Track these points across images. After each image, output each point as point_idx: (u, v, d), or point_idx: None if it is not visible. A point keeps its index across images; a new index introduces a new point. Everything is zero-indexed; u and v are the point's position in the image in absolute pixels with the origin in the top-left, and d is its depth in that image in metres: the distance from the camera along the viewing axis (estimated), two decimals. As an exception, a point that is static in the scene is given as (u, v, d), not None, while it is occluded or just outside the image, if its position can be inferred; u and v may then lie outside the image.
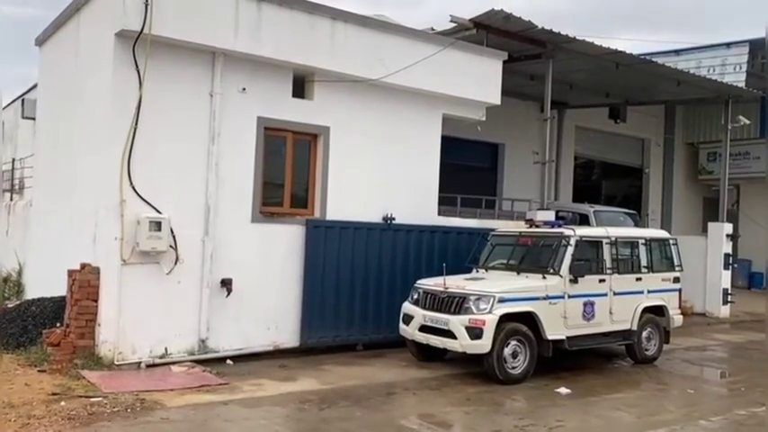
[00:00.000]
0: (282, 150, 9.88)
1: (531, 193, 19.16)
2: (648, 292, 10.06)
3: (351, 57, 10.02)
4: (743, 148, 21.73)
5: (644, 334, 10.01)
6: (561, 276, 8.92)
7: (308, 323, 9.82)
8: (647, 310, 10.03)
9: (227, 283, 9.09)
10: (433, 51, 10.73)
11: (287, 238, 9.76)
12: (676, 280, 10.53)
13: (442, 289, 8.84)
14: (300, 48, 9.54)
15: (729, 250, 16.44)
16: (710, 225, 16.74)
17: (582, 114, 20.02)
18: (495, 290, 8.44)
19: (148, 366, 8.50)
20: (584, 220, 14.51)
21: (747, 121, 16.16)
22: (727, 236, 16.34)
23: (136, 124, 8.47)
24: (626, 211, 15.78)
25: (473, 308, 8.39)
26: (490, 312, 8.27)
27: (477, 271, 10.01)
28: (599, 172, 26.06)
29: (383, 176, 10.77)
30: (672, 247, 10.59)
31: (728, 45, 16.68)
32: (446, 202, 17.05)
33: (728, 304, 16.37)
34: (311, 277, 9.84)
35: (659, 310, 10.26)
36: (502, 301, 8.36)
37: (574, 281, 8.98)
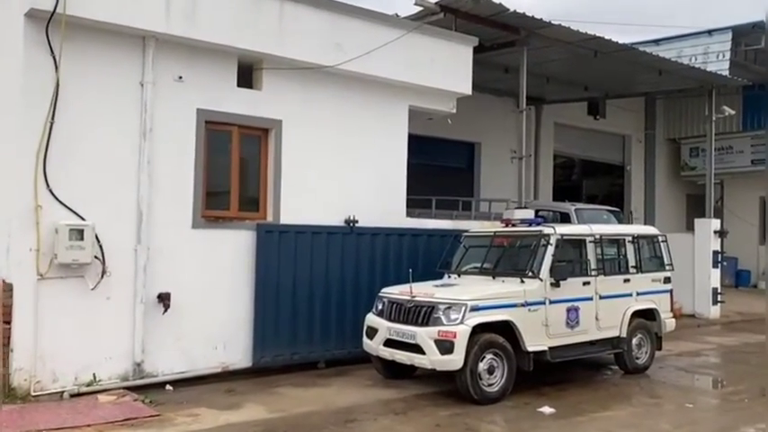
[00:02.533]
0: (228, 147, 8.82)
1: (510, 193, 18.08)
2: (638, 294, 9.13)
3: (303, 41, 9.00)
4: (726, 143, 21.06)
5: (634, 341, 9.07)
6: (541, 280, 7.96)
7: (261, 341, 8.74)
8: (636, 314, 9.09)
9: (163, 298, 8.00)
10: (395, 36, 9.75)
11: (235, 246, 8.69)
12: (667, 280, 9.61)
13: (408, 298, 7.83)
14: (244, 31, 8.50)
15: (718, 247, 15.61)
16: (697, 221, 15.91)
17: (560, 111, 19.22)
18: (467, 297, 7.44)
19: (73, 396, 7.39)
20: (565, 219, 13.64)
21: (732, 112, 15.42)
22: (716, 232, 15.51)
23: (53, 117, 7.38)
24: (609, 208, 14.89)
25: (443, 318, 7.38)
26: (462, 323, 7.27)
27: (450, 276, 9.02)
28: (579, 171, 25.37)
29: (344, 175, 9.76)
30: (661, 244, 9.68)
31: (710, 32, 15.89)
32: (421, 205, 16.17)
33: (719, 304, 15.54)
34: (264, 289, 8.78)
35: (650, 314, 9.33)
36: (475, 309, 7.36)
37: (555, 284, 8.02)
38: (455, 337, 7.17)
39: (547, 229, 8.32)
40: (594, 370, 9.30)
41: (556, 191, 25.15)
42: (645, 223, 22.16)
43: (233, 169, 8.85)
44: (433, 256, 9.82)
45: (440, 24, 11.00)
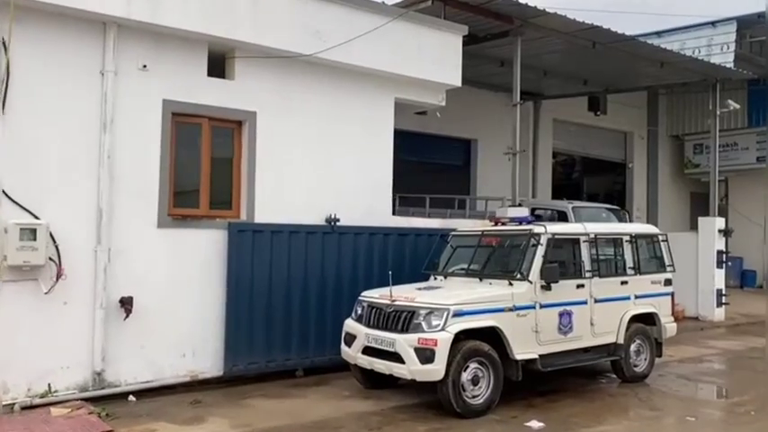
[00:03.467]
0: (197, 140, 8.27)
1: (508, 191, 17.68)
2: (636, 297, 8.55)
3: (278, 28, 8.45)
4: (730, 139, 20.42)
5: (632, 347, 8.49)
6: (531, 282, 7.38)
7: (233, 348, 8.19)
8: (635, 318, 8.51)
9: (125, 303, 7.45)
10: (379, 24, 9.18)
11: (205, 246, 8.14)
12: (668, 282, 9.03)
13: (387, 302, 7.27)
14: (214, 18, 7.95)
15: (723, 247, 14.99)
16: (701, 220, 15.31)
17: (560, 107, 18.61)
18: (450, 302, 6.86)
19: (25, 408, 6.84)
20: (562, 218, 13.08)
21: (737, 106, 14.79)
22: (720, 231, 14.90)
23: (2, 107, 6.85)
24: (609, 206, 14.34)
25: (423, 324, 6.81)
26: (443, 329, 6.70)
27: (435, 278, 8.46)
28: (581, 169, 24.82)
29: (326, 171, 9.21)
30: (661, 244, 9.09)
31: (714, 24, 15.29)
32: (416, 203, 15.62)
33: (723, 306, 14.93)
34: (236, 292, 8.23)
35: (649, 319, 8.75)
36: (458, 314, 6.79)
37: (546, 287, 7.44)
38: (436, 344, 6.61)
39: (537, 228, 7.75)
40: (590, 378, 8.72)
41: (556, 189, 24.56)
42: (647, 222, 21.66)
43: (203, 164, 8.30)
44: (420, 257, 9.27)
45: (429, 13, 10.44)
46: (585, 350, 8.01)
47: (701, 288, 14.89)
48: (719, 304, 14.82)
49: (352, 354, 7.54)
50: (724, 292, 14.96)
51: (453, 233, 8.86)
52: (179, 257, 7.96)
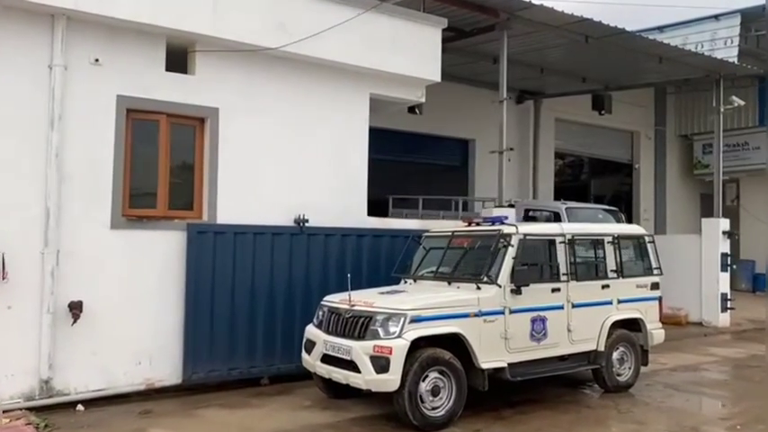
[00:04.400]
0: (155, 138, 7.93)
1: (509, 192, 17.21)
2: (619, 302, 8.04)
3: (241, 21, 8.09)
4: (741, 138, 19.77)
5: (615, 355, 7.98)
6: (499, 286, 6.92)
7: (192, 354, 7.83)
8: (617, 324, 8.01)
9: (73, 307, 7.11)
10: (350, 16, 8.79)
11: (163, 248, 7.80)
12: (655, 286, 8.50)
13: (347, 307, 6.86)
14: (171, 9, 7.62)
15: (727, 249, 14.36)
16: (704, 221, 14.70)
17: (562, 105, 18.09)
18: (407, 307, 6.43)
19: (-36, 418, 6.54)
20: (557, 219, 12.58)
21: (742, 102, 14.16)
22: (724, 233, 14.27)
23: (-60, 104, 6.57)
24: (606, 207, 13.78)
25: (380, 331, 6.39)
26: (399, 336, 6.26)
27: (406, 282, 8.04)
28: (588, 171, 24.25)
29: (294, 169, 8.83)
30: (648, 245, 8.57)
31: (717, 17, 14.70)
32: (410, 205, 15.19)
33: (728, 311, 14.30)
34: (196, 296, 7.87)
35: (634, 325, 8.24)
36: (416, 320, 6.35)
37: (516, 291, 6.97)
38: (391, 352, 6.17)
39: (508, 228, 7.29)
40: (571, 388, 8.23)
41: (565, 191, 23.97)
42: (655, 225, 20.99)
43: (161, 163, 7.95)
44: (395, 259, 8.84)
45: (410, 6, 10.03)
46: (562, 358, 7.52)
47: (705, 292, 14.30)
48: (724, 309, 14.20)
49: (311, 361, 7.14)
50: (729, 297, 14.33)
51: (426, 234, 8.43)
52: (135, 260, 7.62)
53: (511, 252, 7.06)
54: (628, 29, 11.98)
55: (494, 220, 7.78)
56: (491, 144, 16.41)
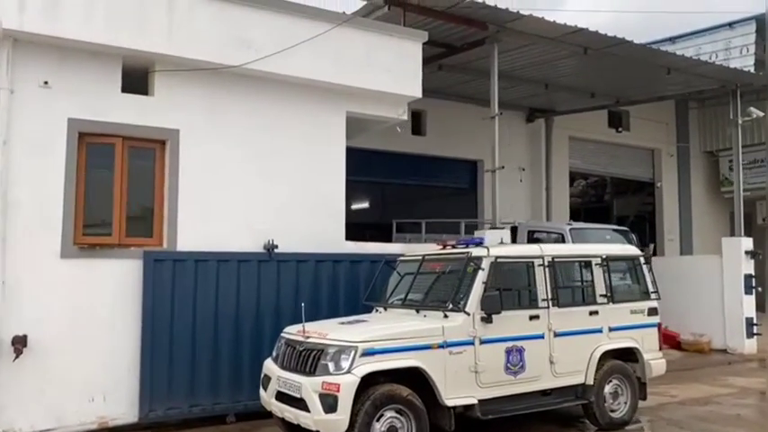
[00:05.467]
0: (110, 162, 7.57)
1: (520, 214, 16.57)
2: (610, 329, 7.32)
3: (201, 38, 7.74)
4: (768, 154, 18.71)
5: (607, 389, 7.25)
6: (467, 314, 6.30)
7: (150, 390, 7.35)
8: (609, 354, 7.28)
9: (16, 342, 6.72)
10: (320, 31, 8.39)
11: (117, 278, 7.39)
12: (653, 312, 7.75)
13: (301, 339, 6.32)
14: (124, 28, 7.29)
15: (751, 270, 13.39)
16: (724, 241, 13.76)
17: (575, 123, 17.41)
18: (359, 338, 5.85)
19: None
20: (560, 241, 11.89)
21: (761, 113, 13.28)
22: (747, 253, 13.32)
23: None
24: (615, 227, 13.00)
25: (330, 366, 5.82)
26: (349, 372, 5.68)
27: (377, 310, 7.47)
28: (611, 191, 23.44)
29: (264, 192, 8.38)
30: (643, 267, 7.84)
31: (731, 25, 13.94)
32: (413, 229, 14.65)
33: (755, 337, 13.28)
34: (154, 329, 7.41)
35: (629, 355, 7.50)
36: (368, 353, 5.77)
37: (487, 319, 6.34)
38: (338, 390, 5.59)
39: (477, 251, 6.68)
40: (559, 425, 7.49)
41: (587, 212, 23.23)
42: (681, 246, 19.98)
43: (116, 188, 7.57)
44: (379, 286, 8.28)
45: (390, 21, 9.62)
46: (545, 393, 6.82)
47: (728, 317, 13.33)
48: (750, 335, 13.20)
49: (266, 399, 6.58)
50: (755, 321, 13.33)
51: (400, 258, 7.86)
52: (87, 291, 7.22)
53: (481, 276, 6.45)
54: (636, 41, 11.36)
55: (468, 243, 7.18)
56: (501, 164, 15.88)
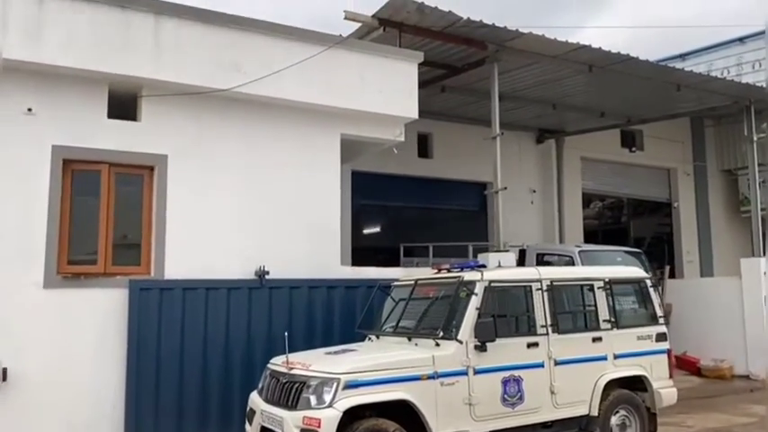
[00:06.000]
0: (97, 189, 7.41)
1: (532, 237, 16.21)
2: (616, 357, 6.92)
3: (189, 62, 7.60)
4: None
5: (614, 420, 6.82)
6: (460, 342, 5.97)
7: (135, 425, 7.08)
8: (615, 383, 6.88)
9: (-6, 375, 6.52)
10: (312, 53, 8.23)
11: (103, 308, 7.18)
12: (661, 337, 7.34)
13: (285, 370, 6.03)
14: (110, 53, 7.18)
15: (773, 292, 12.86)
16: (743, 262, 13.25)
17: (587, 143, 17.08)
18: (342, 370, 5.54)
19: None
20: (569, 264, 11.54)
21: (776, 130, 12.90)
22: (767, 274, 12.81)
23: None
24: (627, 249, 12.62)
25: (311, 399, 5.51)
26: (330, 406, 5.37)
27: (370, 339, 7.16)
28: (628, 212, 22.98)
29: (255, 217, 8.17)
30: (650, 290, 7.45)
31: (742, 40, 13.61)
32: (421, 253, 14.40)
33: (779, 362, 12.70)
34: (140, 361, 7.17)
35: (637, 383, 7.08)
36: (352, 386, 5.46)
37: (481, 347, 6.01)
38: (319, 425, 5.28)
39: (470, 275, 6.36)
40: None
41: (604, 233, 22.73)
42: (701, 267, 19.38)
43: (102, 215, 7.40)
44: (373, 312, 7.98)
45: (387, 42, 9.45)
46: (546, 425, 6.43)
47: (750, 341, 12.78)
48: (773, 360, 12.61)
49: (251, 434, 6.28)
50: (778, 346, 12.74)
51: (395, 284, 7.56)
52: (71, 322, 7.02)
53: (474, 302, 6.13)
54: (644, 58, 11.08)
55: (462, 267, 6.86)
56: (510, 186, 15.53)
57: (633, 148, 18.24)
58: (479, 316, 6.06)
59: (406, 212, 16.89)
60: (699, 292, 13.61)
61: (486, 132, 15.68)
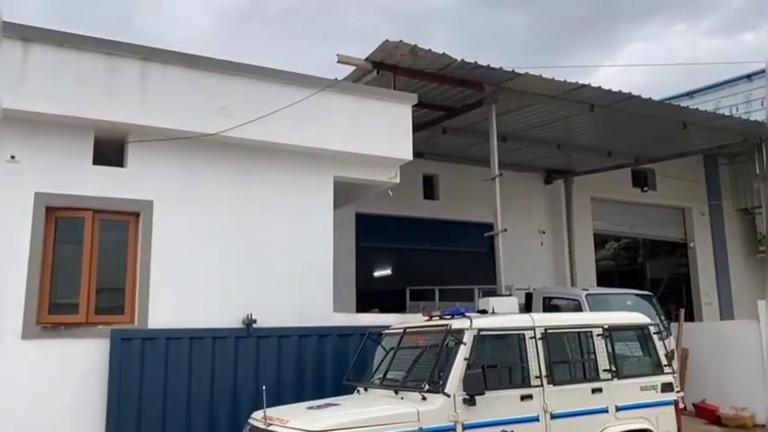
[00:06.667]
0: (80, 236, 7.27)
1: (543, 279, 15.83)
2: (618, 409, 6.50)
3: (175, 107, 7.52)
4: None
5: (617, 479, 6.39)
6: (447, 395, 5.63)
7: (115, 484, 6.79)
8: (618, 438, 6.46)
9: (-35, 431, 6.29)
10: (302, 96, 8.14)
11: (83, 359, 6.95)
12: (667, 387, 6.91)
13: (263, 426, 5.72)
14: (95, 100, 7.13)
15: (792, 336, 12.27)
16: (760, 304, 12.70)
17: (597, 183, 16.81)
18: (318, 427, 5.22)
19: None
20: (577, 308, 11.12)
21: (788, 167, 12.54)
22: (785, 317, 12.25)
23: None
24: (637, 292, 12.15)
25: (286, 459, 5.21)
26: (304, 468, 5.05)
27: (358, 391, 6.83)
28: (644, 253, 22.52)
29: (243, 264, 7.96)
30: (653, 337, 7.06)
31: (750, 77, 13.37)
32: (428, 297, 14.12)
33: (802, 411, 12.04)
34: (120, 414, 6.89)
35: (643, 438, 6.65)
36: (328, 446, 5.14)
37: (470, 401, 5.66)
38: (291, 490, 4.95)
39: (458, 323, 6.06)
40: None
41: (621, 275, 22.23)
42: (720, 310, 18.76)
43: (85, 263, 7.24)
44: (366, 362, 7.67)
45: (383, 85, 9.37)
46: (542, 484, 6.02)
47: (771, 388, 12.13)
48: (797, 408, 11.96)
49: (230, 494, 5.95)
50: (802, 393, 12.11)
51: (386, 332, 7.25)
52: (49, 374, 6.79)
53: (463, 351, 5.81)
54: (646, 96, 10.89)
55: (453, 313, 6.55)
56: (519, 227, 15.26)
57: (645, 188, 17.92)
58: (468, 367, 5.73)
59: (414, 255, 16.62)
60: (716, 336, 13.06)
61: (489, 174, 15.55)
